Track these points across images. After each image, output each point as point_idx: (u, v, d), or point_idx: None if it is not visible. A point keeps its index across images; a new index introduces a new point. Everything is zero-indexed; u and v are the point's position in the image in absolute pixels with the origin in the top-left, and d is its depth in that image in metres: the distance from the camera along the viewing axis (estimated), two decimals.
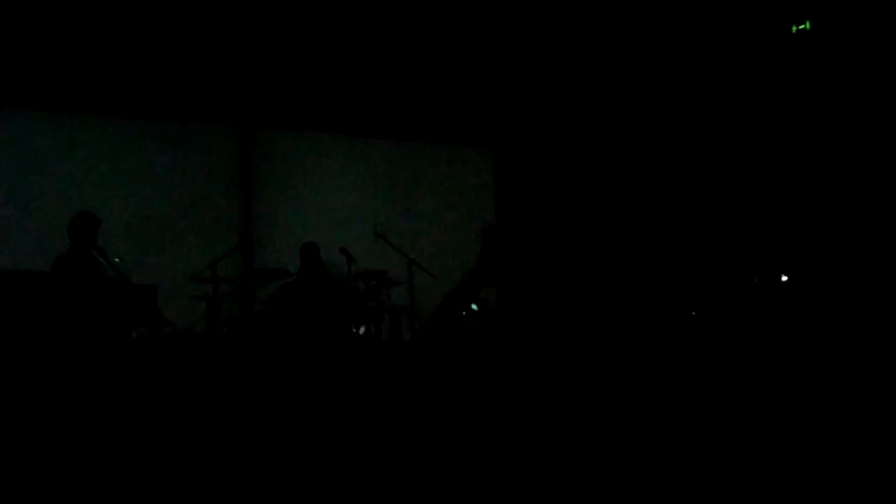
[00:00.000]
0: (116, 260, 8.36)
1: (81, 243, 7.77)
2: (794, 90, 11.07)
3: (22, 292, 7.29)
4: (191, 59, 11.20)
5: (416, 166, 13.39)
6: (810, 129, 10.98)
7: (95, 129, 11.16)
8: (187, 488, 2.63)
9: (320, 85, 11.95)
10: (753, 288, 9.56)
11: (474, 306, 4.99)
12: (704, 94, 11.83)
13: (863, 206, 10.36)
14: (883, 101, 10.30)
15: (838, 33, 10.67)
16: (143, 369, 7.19)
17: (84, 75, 10.66)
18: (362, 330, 9.92)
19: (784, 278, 9.64)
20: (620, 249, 11.97)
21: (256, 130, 12.22)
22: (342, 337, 9.17)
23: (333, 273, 10.46)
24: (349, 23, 11.17)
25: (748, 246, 10.73)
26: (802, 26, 10.93)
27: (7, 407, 5.06)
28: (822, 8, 10.86)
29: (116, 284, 7.90)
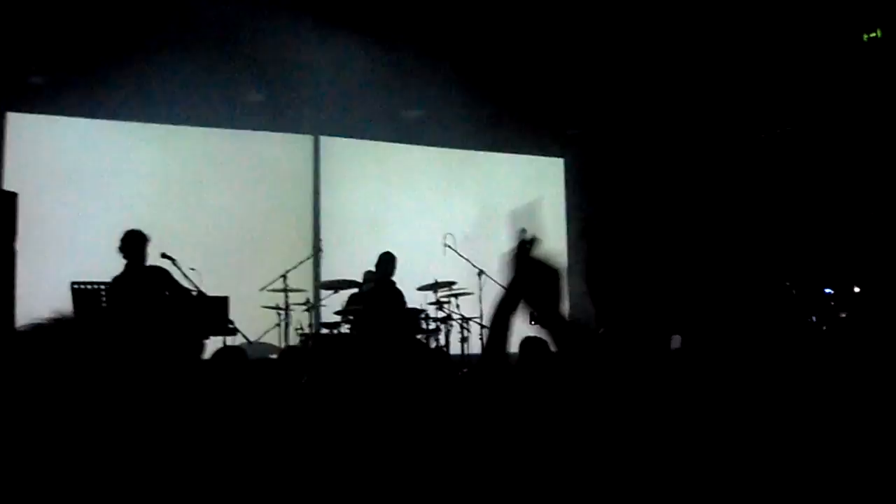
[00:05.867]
0: (191, 269, 8.56)
1: (133, 261, 7.95)
2: (866, 100, 10.83)
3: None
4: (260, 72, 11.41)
5: (486, 173, 13.45)
6: (884, 139, 10.74)
7: (170, 138, 11.42)
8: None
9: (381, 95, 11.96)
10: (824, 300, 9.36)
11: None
12: (773, 103, 11.64)
13: None
14: None
15: None
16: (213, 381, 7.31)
17: (160, 85, 10.85)
18: (433, 343, 9.91)
19: (857, 289, 9.44)
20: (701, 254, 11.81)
21: (324, 137, 12.38)
22: (410, 350, 9.18)
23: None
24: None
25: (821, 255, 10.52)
26: (874, 34, 10.70)
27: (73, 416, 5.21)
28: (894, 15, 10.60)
29: (187, 296, 8.08)
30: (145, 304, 7.67)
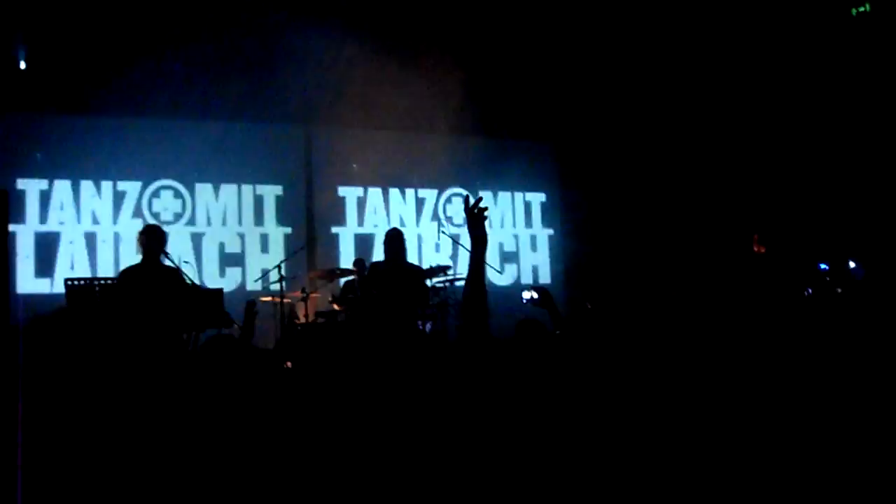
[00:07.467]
0: (185, 262, 8.57)
1: (150, 254, 7.89)
2: (855, 74, 10.83)
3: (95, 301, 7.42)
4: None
5: (479, 159, 13.34)
6: (872, 116, 10.75)
7: (167, 131, 11.32)
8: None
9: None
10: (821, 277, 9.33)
11: (534, 295, 4.90)
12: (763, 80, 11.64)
13: None
14: None
15: None
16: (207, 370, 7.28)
17: (157, 79, 10.78)
18: (429, 327, 9.84)
19: (852, 264, 9.43)
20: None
21: (314, 128, 12.30)
22: (408, 334, 9.09)
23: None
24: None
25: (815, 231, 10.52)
26: (862, 8, 10.70)
27: (77, 406, 5.19)
28: None
29: (185, 289, 8.03)
30: (158, 300, 7.62)
